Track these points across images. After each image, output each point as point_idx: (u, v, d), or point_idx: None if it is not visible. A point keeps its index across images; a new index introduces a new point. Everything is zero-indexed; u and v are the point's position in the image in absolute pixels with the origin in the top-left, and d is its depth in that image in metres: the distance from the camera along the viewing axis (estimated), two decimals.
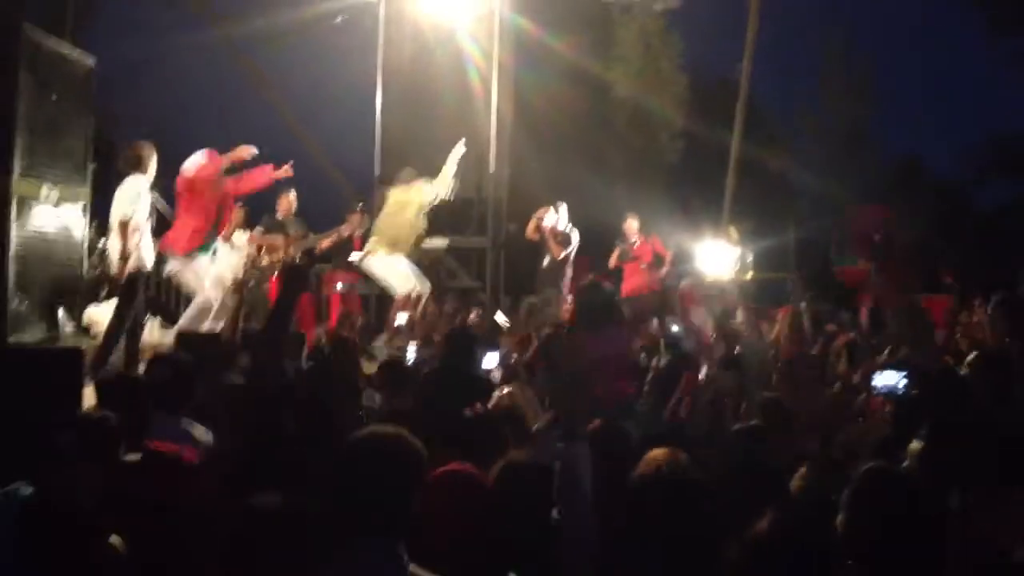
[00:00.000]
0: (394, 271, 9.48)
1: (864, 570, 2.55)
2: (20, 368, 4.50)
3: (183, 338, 5.71)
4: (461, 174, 9.51)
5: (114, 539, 2.90)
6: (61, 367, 4.88)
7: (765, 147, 20.77)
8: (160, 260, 7.46)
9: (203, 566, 2.85)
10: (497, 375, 6.37)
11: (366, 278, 10.29)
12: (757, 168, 21.30)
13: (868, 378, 5.43)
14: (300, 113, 11.51)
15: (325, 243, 10.03)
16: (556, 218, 11.12)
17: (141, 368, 6.11)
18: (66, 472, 3.17)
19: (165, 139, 7.56)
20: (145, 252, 6.88)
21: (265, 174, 8.21)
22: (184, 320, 7.30)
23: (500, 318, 10.61)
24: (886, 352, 6.36)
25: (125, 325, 5.96)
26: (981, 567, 2.81)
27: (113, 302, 6.83)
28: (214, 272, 7.59)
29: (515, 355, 6.91)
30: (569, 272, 10.99)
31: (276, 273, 9.66)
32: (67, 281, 5.27)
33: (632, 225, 12.03)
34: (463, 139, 9.55)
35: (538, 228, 11.16)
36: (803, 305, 7.75)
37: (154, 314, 9.95)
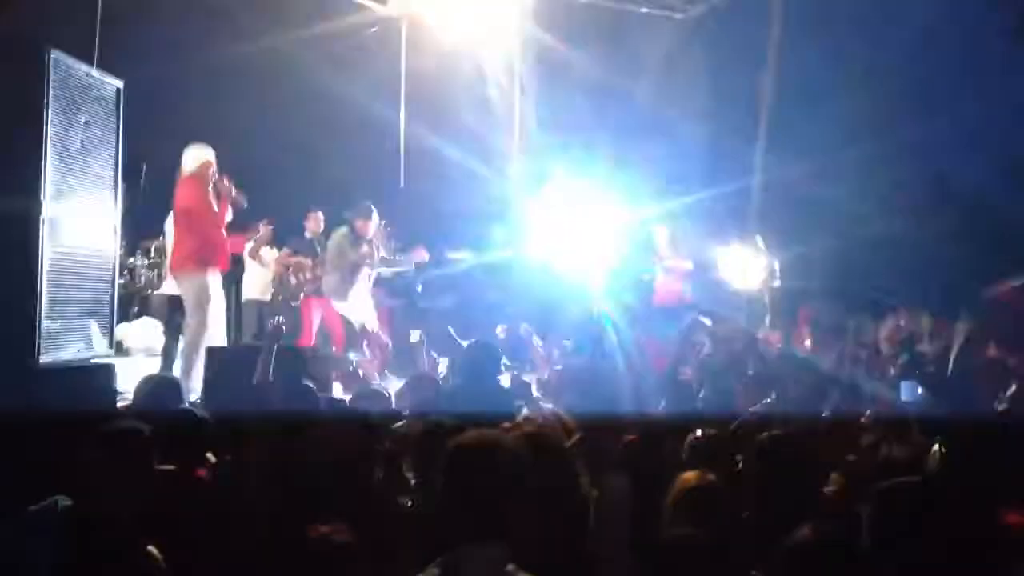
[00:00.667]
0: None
1: None
2: (56, 384, 4.57)
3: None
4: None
5: (151, 549, 2.93)
6: (95, 382, 4.96)
7: (789, 156, 20.65)
8: None
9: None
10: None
11: (391, 290, 10.39)
12: (782, 178, 21.18)
13: None
14: (324, 129, 11.58)
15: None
16: None
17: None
18: (101, 484, 3.22)
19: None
20: None
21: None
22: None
23: (528, 330, 10.66)
24: None
25: None
26: None
27: (145, 319, 7.01)
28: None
29: None
30: None
31: (305, 293, 9.77)
32: (99, 299, 5.33)
33: (662, 236, 12.07)
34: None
35: None
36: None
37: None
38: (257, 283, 10.39)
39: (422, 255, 9.96)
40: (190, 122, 8.69)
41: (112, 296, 5.60)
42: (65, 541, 2.94)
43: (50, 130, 4.89)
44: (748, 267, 12.12)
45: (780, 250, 12.91)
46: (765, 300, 12.13)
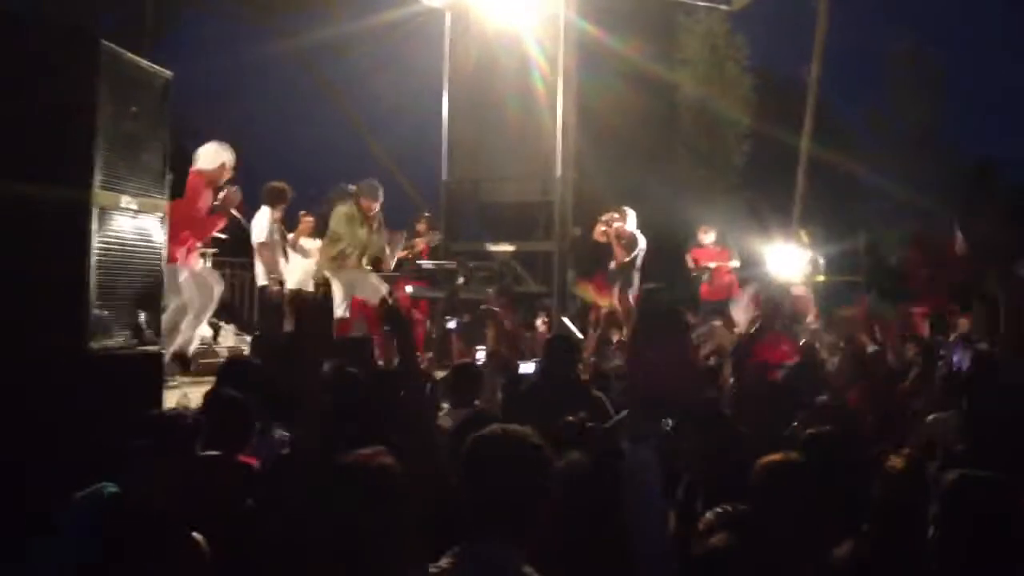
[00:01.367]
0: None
1: None
2: (104, 371, 4.64)
3: None
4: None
5: (197, 536, 2.98)
6: (142, 370, 5.03)
7: (833, 149, 20.43)
8: None
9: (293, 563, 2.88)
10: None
11: (433, 282, 10.43)
12: (826, 170, 20.95)
13: None
14: (368, 121, 11.65)
15: (399, 254, 10.24)
16: (623, 222, 11.14)
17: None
18: (147, 471, 3.27)
19: (239, 150, 7.76)
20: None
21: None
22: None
23: (567, 323, 10.61)
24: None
25: None
26: None
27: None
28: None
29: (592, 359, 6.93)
30: (637, 277, 10.97)
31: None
32: (147, 288, 5.41)
33: (705, 238, 12.09)
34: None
35: (605, 231, 11.18)
36: None
37: (228, 321, 10.21)
38: (297, 272, 10.47)
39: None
40: (238, 114, 8.77)
41: (160, 286, 5.67)
42: (113, 526, 2.99)
43: (101, 121, 4.95)
44: (793, 261, 12.03)
45: (825, 245, 12.81)
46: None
